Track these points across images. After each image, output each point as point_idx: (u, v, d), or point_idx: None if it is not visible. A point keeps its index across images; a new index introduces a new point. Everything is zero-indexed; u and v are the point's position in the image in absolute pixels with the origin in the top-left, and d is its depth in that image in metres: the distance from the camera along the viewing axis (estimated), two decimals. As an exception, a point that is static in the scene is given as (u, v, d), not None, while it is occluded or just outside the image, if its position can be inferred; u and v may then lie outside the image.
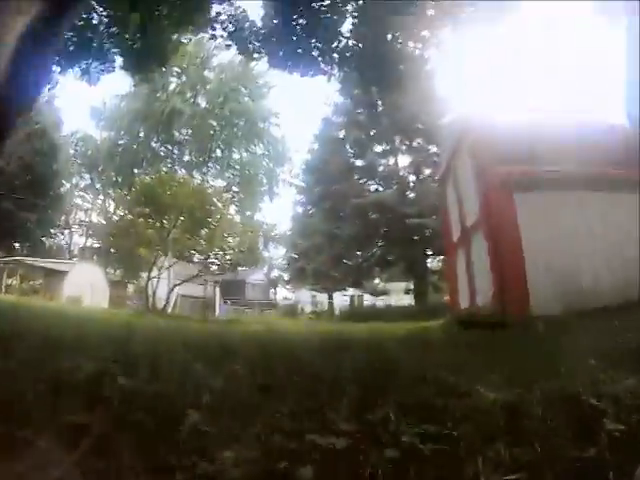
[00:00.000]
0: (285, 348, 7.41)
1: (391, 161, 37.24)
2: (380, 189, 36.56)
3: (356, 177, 37.58)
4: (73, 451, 2.30)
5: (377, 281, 44.24)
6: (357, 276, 36.55)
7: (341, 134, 39.15)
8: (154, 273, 27.03)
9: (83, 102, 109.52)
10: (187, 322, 17.81)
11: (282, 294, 56.05)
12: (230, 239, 27.29)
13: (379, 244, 35.15)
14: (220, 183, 57.38)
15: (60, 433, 2.48)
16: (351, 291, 43.43)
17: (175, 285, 27.73)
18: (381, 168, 37.27)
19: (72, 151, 56.78)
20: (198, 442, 2.51)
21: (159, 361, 4.64)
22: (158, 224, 26.67)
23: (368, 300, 43.50)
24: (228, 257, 27.86)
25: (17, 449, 2.27)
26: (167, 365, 4.49)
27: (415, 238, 32.69)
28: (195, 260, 31.08)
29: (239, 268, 31.67)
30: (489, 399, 3.24)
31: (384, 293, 42.89)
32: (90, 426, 2.53)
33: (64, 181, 51.53)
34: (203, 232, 26.93)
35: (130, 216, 27.97)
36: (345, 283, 38.27)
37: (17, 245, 46.15)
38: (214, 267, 29.57)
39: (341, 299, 44.43)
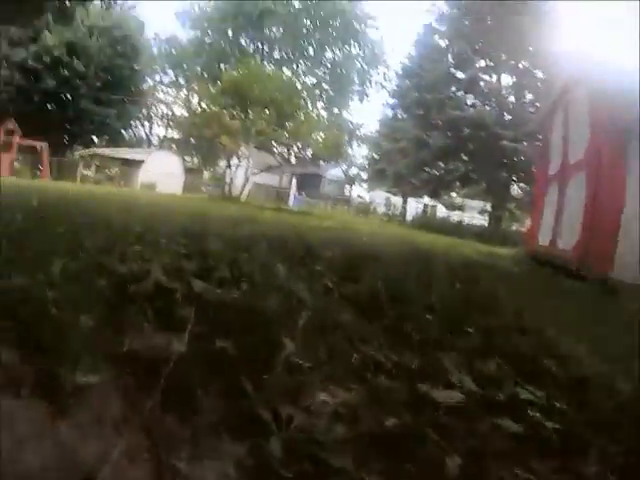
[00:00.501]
0: (367, 254, 6.55)
1: (493, 78, 35.19)
2: (477, 105, 34.68)
3: (453, 89, 35.74)
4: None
5: (454, 195, 43.34)
6: (437, 186, 35.75)
7: (443, 43, 37.08)
8: (234, 161, 27.18)
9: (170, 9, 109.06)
10: (260, 210, 17.57)
11: (357, 192, 55.97)
12: (314, 134, 26.72)
13: (465, 159, 33.88)
14: (310, 80, 56.82)
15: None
16: (426, 199, 42.85)
17: (253, 173, 27.84)
18: (482, 84, 35.22)
19: (156, 51, 57.94)
20: (292, 382, 2.03)
21: (238, 261, 4.08)
22: (243, 115, 26.46)
23: (441, 212, 42.75)
24: (310, 150, 27.39)
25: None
26: (248, 266, 3.91)
27: (505, 161, 31.39)
28: (275, 152, 30.95)
29: (320, 162, 31.31)
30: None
31: (459, 208, 41.98)
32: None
33: (147, 78, 53.35)
34: (288, 125, 26.46)
35: (214, 107, 27.75)
36: (423, 191, 37.53)
37: (96, 139, 47.89)
38: (294, 159, 29.20)
39: (414, 205, 43.97)
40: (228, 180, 26.55)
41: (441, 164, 35.09)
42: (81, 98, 41.92)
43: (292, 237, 7.29)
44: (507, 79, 34.84)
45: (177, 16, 58.59)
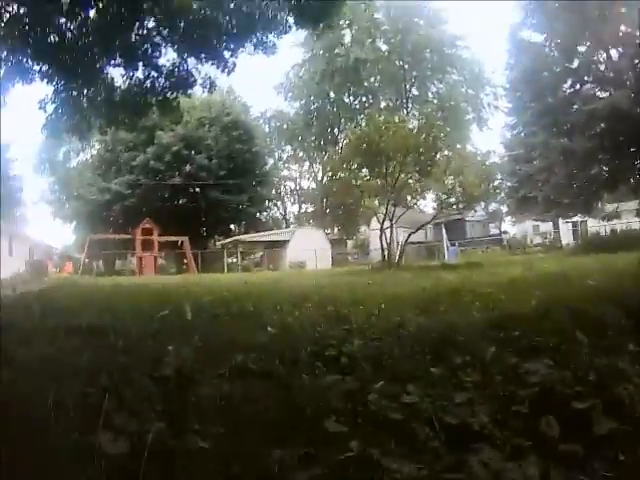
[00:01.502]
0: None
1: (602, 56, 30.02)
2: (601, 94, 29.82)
3: (569, 82, 31.04)
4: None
5: (605, 204, 37.87)
6: (587, 198, 30.75)
7: (538, 39, 32.14)
8: (382, 225, 24.74)
9: (260, 81, 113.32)
10: (443, 274, 14.92)
11: (500, 228, 51.75)
12: (463, 175, 23.71)
13: (611, 157, 28.93)
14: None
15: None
16: (576, 217, 37.39)
17: (410, 234, 25.32)
18: (602, 67, 30.23)
19: (267, 129, 58.21)
20: None
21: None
22: (381, 172, 24.18)
23: (592, 226, 37.27)
24: (458, 194, 24.19)
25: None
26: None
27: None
28: (419, 204, 28.21)
29: (476, 204, 28.00)
30: None
31: (616, 217, 35.56)
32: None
33: (267, 157, 53.85)
34: (432, 171, 23.76)
35: (342, 173, 25.74)
36: (574, 208, 32.55)
37: (233, 227, 48.21)
38: (442, 208, 25.99)
39: (564, 227, 39.09)
40: (385, 245, 24.05)
41: (589, 171, 30.20)
42: (209, 189, 42.25)
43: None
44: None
45: (276, 90, 58.62)
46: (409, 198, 26.75)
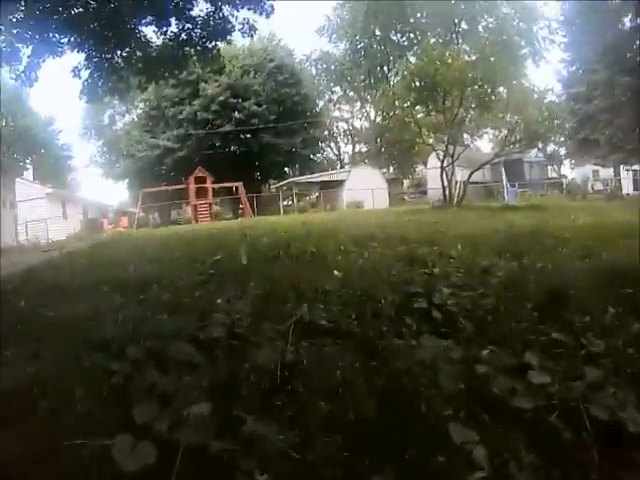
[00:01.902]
0: None
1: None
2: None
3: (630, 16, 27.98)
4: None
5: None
6: None
7: None
8: (442, 163, 23.44)
9: (302, 25, 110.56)
10: (508, 215, 13.71)
11: (559, 172, 48.97)
12: (521, 111, 21.96)
13: None
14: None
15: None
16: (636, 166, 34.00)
17: (472, 172, 23.95)
18: None
19: (314, 71, 56.77)
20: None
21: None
22: (439, 106, 22.76)
23: None
24: (522, 130, 22.40)
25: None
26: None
27: None
28: (477, 143, 26.54)
29: (538, 142, 26.12)
30: None
31: None
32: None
33: (317, 99, 52.54)
34: (492, 106, 22.16)
35: (396, 111, 24.33)
36: (638, 154, 29.41)
37: (287, 170, 47.86)
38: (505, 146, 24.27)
39: (625, 175, 36.16)
40: (445, 184, 22.81)
41: None
42: (261, 134, 41.61)
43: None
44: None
45: (318, 32, 56.36)
46: (466, 136, 25.16)
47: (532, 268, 4.38)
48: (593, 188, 34.39)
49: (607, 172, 37.27)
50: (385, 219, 15.10)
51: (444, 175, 22.94)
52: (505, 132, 23.31)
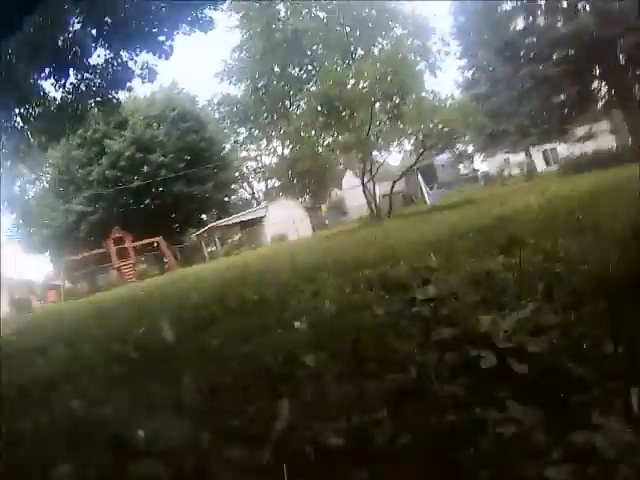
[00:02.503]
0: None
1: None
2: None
3: (521, 20, 28.35)
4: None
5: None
6: (560, 122, 28.02)
7: None
8: (363, 179, 22.73)
9: (202, 71, 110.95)
10: (446, 215, 12.81)
11: (471, 167, 49.77)
12: (436, 114, 21.55)
13: (578, 81, 26.68)
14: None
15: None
16: (546, 145, 35.48)
17: (395, 181, 23.41)
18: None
19: (217, 115, 56.08)
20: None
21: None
22: (349, 125, 22.03)
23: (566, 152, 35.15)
24: (442, 132, 21.90)
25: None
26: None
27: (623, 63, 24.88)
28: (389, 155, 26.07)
29: (456, 141, 25.84)
30: None
31: (590, 137, 33.24)
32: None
33: (223, 143, 51.49)
34: (405, 115, 21.62)
35: (303, 141, 23.49)
36: (549, 134, 30.23)
37: (205, 217, 46.23)
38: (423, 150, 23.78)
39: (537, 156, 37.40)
40: (370, 199, 22.00)
41: (559, 96, 28.15)
42: (172, 184, 40.11)
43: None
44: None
45: (218, 77, 55.67)
46: (377, 152, 24.66)
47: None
48: (509, 174, 35.19)
49: (518, 157, 38.38)
50: (320, 245, 13.81)
51: (366, 191, 22.13)
52: (421, 138, 22.73)
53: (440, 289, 3.50)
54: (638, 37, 23.13)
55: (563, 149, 34.58)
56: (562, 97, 27.78)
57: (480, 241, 5.61)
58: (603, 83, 27.13)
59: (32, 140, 13.15)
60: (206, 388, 2.52)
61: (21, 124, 12.22)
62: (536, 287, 2.97)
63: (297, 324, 3.48)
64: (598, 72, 26.58)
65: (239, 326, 4.09)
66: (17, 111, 12.06)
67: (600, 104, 28.25)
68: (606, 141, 30.79)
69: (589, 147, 29.72)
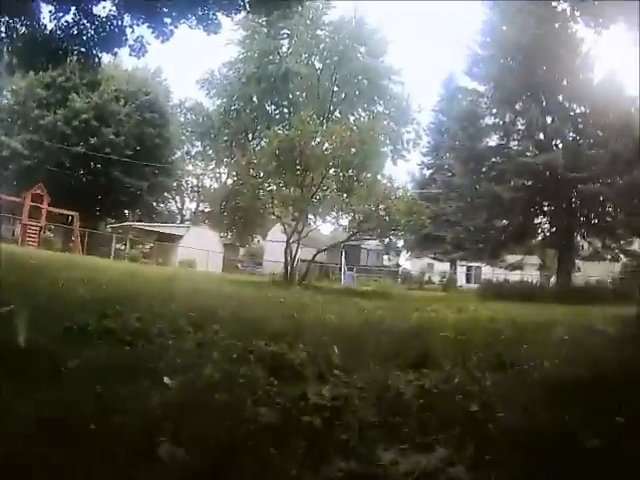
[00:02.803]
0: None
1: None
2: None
3: (496, 137, 29.77)
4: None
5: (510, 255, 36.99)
6: (497, 246, 28.49)
7: (479, 88, 30.17)
8: (289, 238, 22.34)
9: (191, 72, 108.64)
10: (360, 302, 12.97)
11: (395, 262, 50.52)
12: (389, 200, 21.65)
13: (529, 212, 27.85)
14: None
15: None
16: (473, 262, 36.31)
17: (319, 251, 23.24)
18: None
19: (182, 120, 55.18)
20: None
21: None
22: (298, 181, 21.72)
23: (489, 274, 36.37)
24: (382, 220, 21.94)
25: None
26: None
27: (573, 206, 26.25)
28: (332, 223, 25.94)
29: (395, 232, 25.93)
30: None
31: (519, 267, 34.66)
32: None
33: (175, 149, 50.08)
34: (356, 191, 21.61)
35: (250, 178, 23.06)
36: (482, 253, 30.28)
37: (127, 213, 44.86)
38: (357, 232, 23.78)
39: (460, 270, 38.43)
40: (289, 260, 21.57)
41: (495, 223, 29.01)
42: (111, 167, 38.62)
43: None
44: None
45: (199, 83, 54.80)
46: (316, 215, 24.48)
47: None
48: (430, 279, 35.72)
49: (442, 266, 39.04)
50: (225, 288, 13.20)
51: (288, 250, 21.76)
52: (360, 218, 22.70)
53: (337, 393, 3.14)
54: (597, 188, 24.57)
55: (487, 270, 35.70)
56: (505, 222, 28.53)
57: (391, 348, 5.28)
58: (547, 220, 28.10)
59: (6, 57, 12.65)
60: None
61: (3, 34, 11.77)
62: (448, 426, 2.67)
63: (166, 380, 3.18)
64: (547, 209, 27.58)
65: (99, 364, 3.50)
66: (6, 19, 11.60)
67: (538, 239, 29.17)
68: (532, 275, 32.03)
69: (513, 276, 30.87)
